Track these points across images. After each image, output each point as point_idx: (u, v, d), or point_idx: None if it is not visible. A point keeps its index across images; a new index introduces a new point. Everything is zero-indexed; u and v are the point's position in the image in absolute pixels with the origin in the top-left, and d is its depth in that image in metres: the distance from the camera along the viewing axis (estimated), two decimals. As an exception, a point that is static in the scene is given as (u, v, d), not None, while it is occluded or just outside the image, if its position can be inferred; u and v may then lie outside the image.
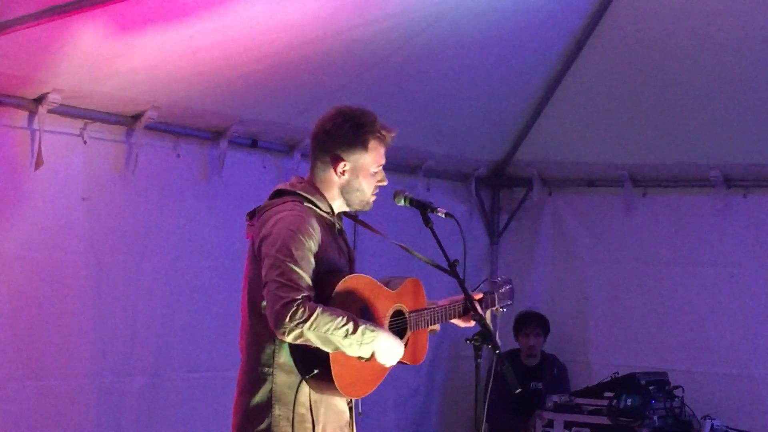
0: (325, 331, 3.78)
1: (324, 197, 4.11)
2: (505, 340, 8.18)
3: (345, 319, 3.81)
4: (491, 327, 4.16)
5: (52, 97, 5.62)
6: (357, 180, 4.11)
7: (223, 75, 6.02)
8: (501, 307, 4.61)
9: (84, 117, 5.96)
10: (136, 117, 6.14)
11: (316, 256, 3.93)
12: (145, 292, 6.33)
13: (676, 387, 7.61)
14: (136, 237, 6.29)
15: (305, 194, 4.08)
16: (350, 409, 4.16)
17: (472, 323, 4.40)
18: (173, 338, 6.45)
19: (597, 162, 8.25)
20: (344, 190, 4.13)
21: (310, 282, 3.85)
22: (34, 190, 5.78)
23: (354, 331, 3.82)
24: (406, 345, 4.17)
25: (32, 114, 5.69)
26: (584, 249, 8.54)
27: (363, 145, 4.08)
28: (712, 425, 7.36)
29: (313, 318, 3.75)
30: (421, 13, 6.28)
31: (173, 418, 6.48)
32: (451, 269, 4.13)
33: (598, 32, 7.33)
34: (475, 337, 4.10)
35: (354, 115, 4.09)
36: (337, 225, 4.15)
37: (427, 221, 4.21)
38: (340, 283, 3.95)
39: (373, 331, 3.88)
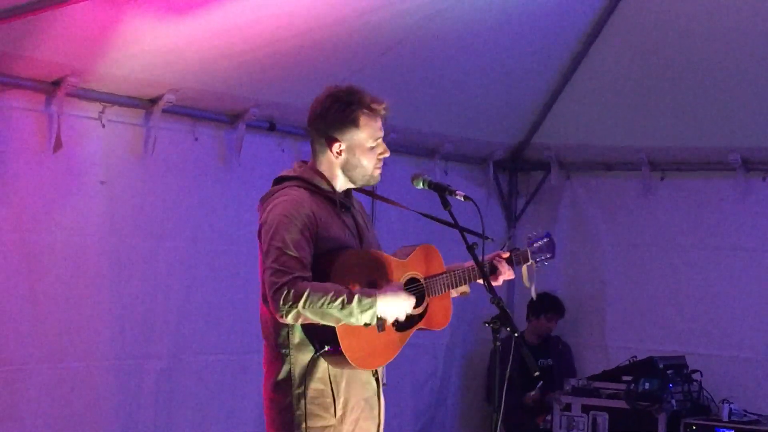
0: (321, 306, 3.85)
1: (324, 178, 4.16)
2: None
3: (338, 290, 3.88)
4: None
5: (70, 80, 5.64)
6: (355, 157, 4.15)
7: (241, 58, 6.02)
8: (537, 262, 4.54)
9: (102, 100, 5.97)
10: (154, 100, 6.15)
11: (316, 235, 4.01)
12: (163, 275, 6.35)
13: (694, 371, 7.60)
14: (154, 220, 6.30)
15: (305, 177, 4.15)
16: (376, 380, 4.21)
17: (500, 282, 4.41)
18: (191, 321, 6.47)
19: (615, 145, 8.22)
20: (345, 169, 4.17)
21: (304, 263, 3.93)
22: (53, 173, 5.81)
23: (350, 301, 3.88)
24: (425, 311, 4.21)
25: (50, 97, 5.71)
26: (602, 233, 8.52)
27: (354, 123, 4.12)
28: (730, 409, 7.35)
29: (305, 296, 3.83)
30: (439, -4, 6.27)
31: (191, 400, 6.51)
32: (470, 252, 4.12)
33: (617, 15, 7.30)
34: (494, 320, 4.09)
35: (341, 95, 4.14)
36: (340, 202, 4.17)
37: (445, 204, 4.21)
38: (339, 259, 4.02)
39: (369, 297, 3.92)
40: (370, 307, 3.92)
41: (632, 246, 8.41)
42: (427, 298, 4.22)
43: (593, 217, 8.58)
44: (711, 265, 8.10)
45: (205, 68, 6.03)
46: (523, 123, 8.34)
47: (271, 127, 6.83)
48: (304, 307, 3.83)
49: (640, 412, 7.28)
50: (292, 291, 3.84)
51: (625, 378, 7.42)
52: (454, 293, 4.41)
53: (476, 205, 4.17)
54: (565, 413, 7.56)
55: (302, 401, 4.01)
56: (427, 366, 8.18)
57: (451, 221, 4.18)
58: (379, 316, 3.96)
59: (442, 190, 4.24)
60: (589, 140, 8.28)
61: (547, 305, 8.26)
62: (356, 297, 3.89)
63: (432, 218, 4.42)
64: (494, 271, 4.40)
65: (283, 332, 4.04)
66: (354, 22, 6.07)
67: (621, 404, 7.36)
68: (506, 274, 4.42)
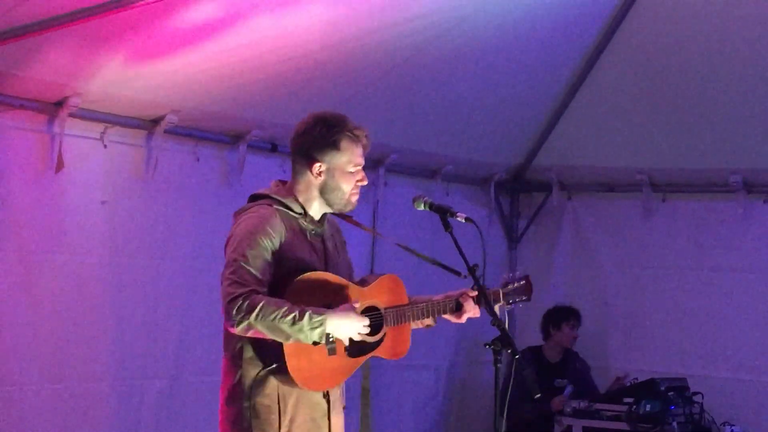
0: (272, 320, 3.90)
1: (297, 200, 4.22)
2: (519, 338, 8.18)
3: (291, 307, 3.93)
4: (508, 331, 4.15)
5: (72, 101, 5.66)
6: (334, 180, 4.20)
7: (243, 79, 6.03)
8: (511, 303, 4.56)
9: (104, 121, 5.99)
10: (156, 121, 6.16)
11: (279, 254, 4.08)
12: (165, 295, 6.35)
13: (696, 393, 7.58)
14: (156, 240, 6.31)
15: (277, 197, 4.21)
16: (327, 401, 4.20)
17: (464, 320, 4.46)
18: (192, 341, 6.46)
19: (616, 167, 8.23)
20: (323, 191, 4.22)
21: (259, 277, 4.00)
22: (55, 193, 5.81)
23: (301, 318, 3.92)
24: (382, 340, 4.24)
25: (53, 118, 5.72)
26: (603, 254, 8.52)
27: (335, 145, 4.18)
28: (731, 431, 7.32)
29: (257, 309, 3.90)
30: (440, 17, 6.28)
31: (192, 420, 6.49)
32: (471, 273, 4.14)
33: (618, 37, 7.31)
34: (494, 341, 4.10)
35: (325, 117, 4.21)
36: (310, 226, 4.22)
37: (446, 226, 4.25)
38: (297, 279, 4.06)
39: (320, 315, 3.96)
40: (320, 325, 3.95)
41: (634, 267, 8.41)
42: (384, 327, 4.24)
43: (595, 238, 8.58)
44: (713, 287, 8.09)
45: (207, 89, 6.04)
46: (525, 144, 8.35)
47: (273, 148, 6.84)
48: (255, 319, 3.90)
49: (641, 434, 7.27)
50: (246, 302, 3.91)
51: (626, 400, 7.40)
52: (416, 325, 4.42)
53: (477, 227, 4.19)
54: (567, 435, 7.56)
55: (248, 415, 4.08)
56: (429, 386, 8.17)
57: (429, 256, 4.35)
58: (328, 333, 3.99)
59: (443, 212, 4.27)
60: (590, 161, 8.29)
61: (566, 313, 8.16)
62: (307, 314, 3.93)
63: (411, 251, 4.49)
64: (459, 308, 4.42)
65: (238, 345, 4.11)
66: (355, 43, 6.09)
67: (622, 426, 7.34)
68: (471, 312, 4.44)
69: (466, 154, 8.01)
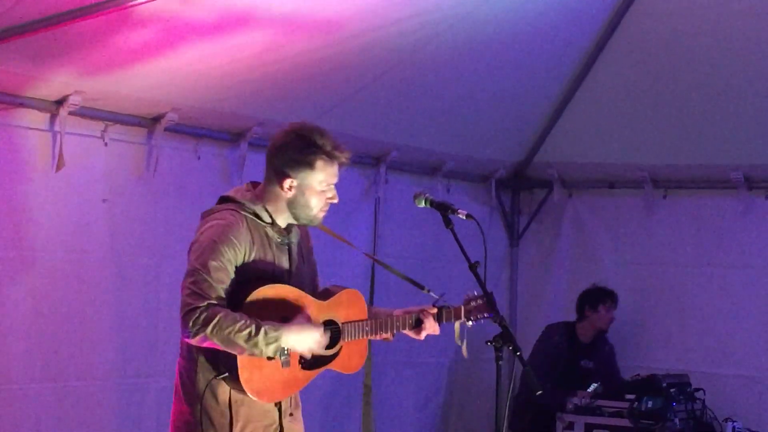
0: (228, 334, 3.89)
1: (266, 209, 4.20)
2: (534, 334, 8.15)
3: (247, 321, 3.91)
4: (510, 328, 4.15)
5: (73, 99, 5.65)
6: (303, 197, 4.17)
7: (243, 77, 6.03)
8: (471, 320, 4.47)
9: (105, 119, 5.98)
10: (157, 119, 6.16)
11: (242, 264, 4.06)
12: (166, 294, 6.34)
13: (698, 389, 7.58)
14: (157, 239, 6.31)
15: (247, 203, 4.19)
16: (279, 410, 4.20)
17: (422, 337, 4.45)
18: (193, 340, 6.45)
19: (617, 163, 8.22)
20: (291, 206, 4.20)
21: (220, 292, 3.98)
22: (55, 191, 5.81)
23: (256, 333, 3.91)
24: (338, 354, 4.23)
25: (53, 116, 5.72)
26: (605, 251, 8.52)
27: (309, 165, 4.14)
28: (733, 427, 7.33)
29: (214, 322, 3.89)
30: (441, 15, 6.27)
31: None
32: (472, 271, 4.13)
33: (619, 34, 7.30)
34: (496, 339, 4.10)
35: (304, 134, 4.16)
36: (277, 236, 4.20)
37: (447, 223, 4.24)
38: (255, 291, 4.04)
39: (276, 330, 3.96)
40: (275, 341, 3.95)
41: (635, 264, 8.41)
42: (341, 341, 4.23)
43: (596, 235, 8.58)
44: (714, 283, 8.09)
45: (207, 87, 6.04)
46: (526, 141, 8.34)
47: (274, 146, 6.83)
48: (212, 332, 3.89)
49: (643, 431, 7.26)
50: (203, 315, 3.91)
51: (628, 396, 7.40)
52: (374, 337, 4.41)
53: (478, 224, 4.19)
54: (568, 432, 7.55)
55: (201, 418, 4.08)
56: (431, 385, 8.17)
57: (399, 271, 4.39)
58: (283, 347, 3.99)
59: (444, 209, 4.27)
60: (591, 158, 8.29)
61: (604, 295, 8.01)
62: (263, 329, 3.92)
63: (382, 265, 4.51)
64: (419, 324, 4.42)
65: (193, 350, 4.12)
66: (356, 41, 6.08)
67: (624, 423, 7.33)
68: (430, 329, 4.44)
69: (467, 152, 8.01)
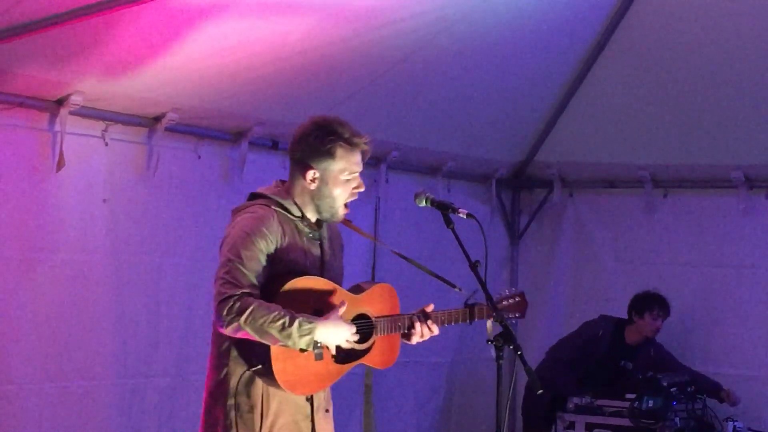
0: (261, 324, 3.88)
1: (295, 202, 4.20)
2: (535, 334, 8.14)
3: (281, 312, 3.91)
4: (511, 328, 4.14)
5: (73, 99, 5.65)
6: (327, 188, 4.17)
7: (244, 77, 6.03)
8: (500, 321, 4.29)
9: (105, 119, 5.98)
10: (157, 119, 6.16)
11: (274, 256, 4.06)
12: (167, 293, 6.34)
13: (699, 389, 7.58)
14: (157, 238, 6.31)
15: (276, 198, 4.19)
16: (311, 404, 4.19)
17: (414, 341, 4.35)
18: (194, 339, 6.45)
19: (618, 163, 8.23)
20: (315, 198, 4.19)
21: (254, 281, 3.98)
22: (56, 191, 5.81)
23: (290, 324, 3.90)
24: (370, 348, 4.21)
25: (54, 116, 5.72)
26: (605, 250, 8.52)
27: (329, 154, 4.14)
28: (734, 427, 7.33)
29: (248, 311, 3.88)
30: (441, 14, 6.27)
31: (195, 418, 6.43)
32: (473, 270, 4.13)
33: (619, 33, 7.31)
34: (497, 338, 4.09)
35: (323, 124, 4.17)
36: (307, 230, 4.20)
37: (448, 222, 4.23)
38: (289, 283, 4.04)
39: (310, 323, 3.95)
40: (309, 333, 3.94)
41: (635, 263, 8.41)
42: (374, 336, 4.22)
43: (596, 234, 8.58)
44: (714, 282, 8.10)
45: (207, 86, 6.04)
46: (526, 141, 8.35)
47: (274, 145, 6.84)
48: (245, 322, 3.88)
49: (643, 430, 7.26)
50: (238, 304, 3.90)
51: (628, 396, 7.40)
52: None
53: (479, 223, 4.18)
54: (569, 431, 7.54)
55: (232, 413, 4.08)
56: (431, 384, 8.17)
57: (428, 269, 4.32)
58: (317, 341, 3.98)
59: (444, 208, 4.26)
60: (591, 158, 8.29)
61: (650, 301, 7.82)
62: (297, 321, 3.91)
63: (407, 260, 4.47)
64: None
65: (225, 344, 4.10)
66: (357, 40, 6.09)
67: (625, 422, 7.34)
68: (420, 335, 4.31)
69: (468, 151, 8.01)
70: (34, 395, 5.75)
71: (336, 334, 4.03)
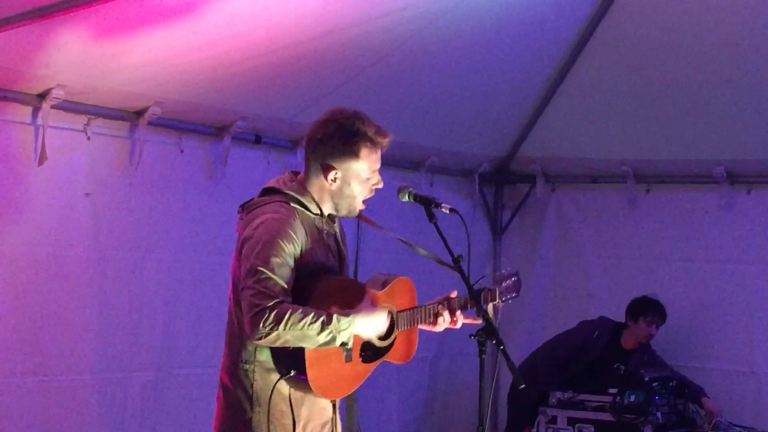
0: (301, 328, 3.81)
1: (314, 199, 4.13)
2: (517, 329, 8.15)
3: (316, 313, 3.84)
4: (494, 322, 4.15)
5: (55, 92, 5.63)
6: (349, 187, 4.12)
7: (227, 71, 6.02)
8: (503, 301, 4.56)
9: (87, 113, 5.97)
10: (140, 113, 6.15)
11: (300, 258, 3.97)
12: (149, 288, 6.33)
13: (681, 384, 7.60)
14: (140, 232, 6.29)
15: (294, 194, 4.10)
16: (333, 406, 4.19)
17: (442, 328, 4.40)
18: (177, 334, 6.45)
19: (600, 158, 8.24)
20: (335, 196, 4.14)
21: (285, 287, 3.88)
22: (38, 185, 5.79)
23: (329, 322, 3.85)
24: (392, 344, 4.20)
25: (36, 109, 5.70)
26: (588, 245, 8.54)
27: (354, 154, 4.08)
28: (716, 421, 7.35)
29: (285, 318, 3.79)
30: (424, 10, 6.27)
31: (177, 413, 6.48)
32: (455, 265, 4.13)
33: (602, 29, 7.31)
34: (479, 332, 4.10)
35: (346, 123, 4.07)
36: (325, 227, 4.16)
37: (431, 217, 4.22)
38: (319, 283, 3.99)
39: (347, 317, 3.91)
40: (348, 326, 3.90)
41: (618, 258, 8.43)
42: (395, 331, 4.20)
43: (579, 229, 8.60)
44: (697, 278, 8.12)
45: (190, 81, 6.03)
46: (509, 136, 8.35)
47: (257, 140, 6.84)
48: (285, 329, 3.79)
49: (625, 425, 7.28)
50: (273, 314, 3.79)
51: (610, 391, 7.42)
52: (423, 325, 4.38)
53: (462, 218, 4.18)
54: (551, 426, 7.56)
55: (265, 420, 3.98)
56: (414, 378, 8.18)
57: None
58: (360, 334, 3.95)
59: (427, 203, 4.25)
60: (574, 153, 8.31)
61: (645, 307, 7.80)
62: (335, 317, 3.87)
63: (413, 247, 4.42)
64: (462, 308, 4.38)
65: (251, 347, 4.00)
66: (339, 35, 6.08)
67: (607, 417, 7.35)
68: (449, 322, 4.36)
69: (450, 146, 8.01)
70: (15, 389, 5.73)
71: (373, 322, 4.01)
